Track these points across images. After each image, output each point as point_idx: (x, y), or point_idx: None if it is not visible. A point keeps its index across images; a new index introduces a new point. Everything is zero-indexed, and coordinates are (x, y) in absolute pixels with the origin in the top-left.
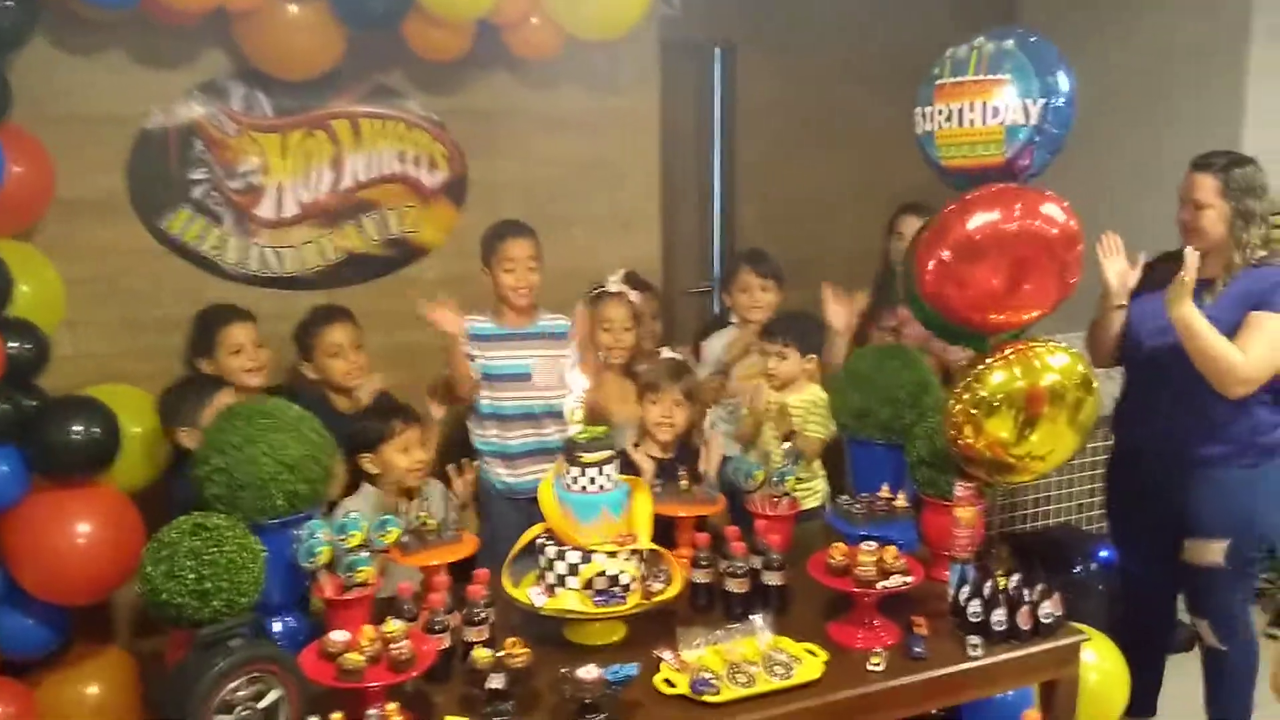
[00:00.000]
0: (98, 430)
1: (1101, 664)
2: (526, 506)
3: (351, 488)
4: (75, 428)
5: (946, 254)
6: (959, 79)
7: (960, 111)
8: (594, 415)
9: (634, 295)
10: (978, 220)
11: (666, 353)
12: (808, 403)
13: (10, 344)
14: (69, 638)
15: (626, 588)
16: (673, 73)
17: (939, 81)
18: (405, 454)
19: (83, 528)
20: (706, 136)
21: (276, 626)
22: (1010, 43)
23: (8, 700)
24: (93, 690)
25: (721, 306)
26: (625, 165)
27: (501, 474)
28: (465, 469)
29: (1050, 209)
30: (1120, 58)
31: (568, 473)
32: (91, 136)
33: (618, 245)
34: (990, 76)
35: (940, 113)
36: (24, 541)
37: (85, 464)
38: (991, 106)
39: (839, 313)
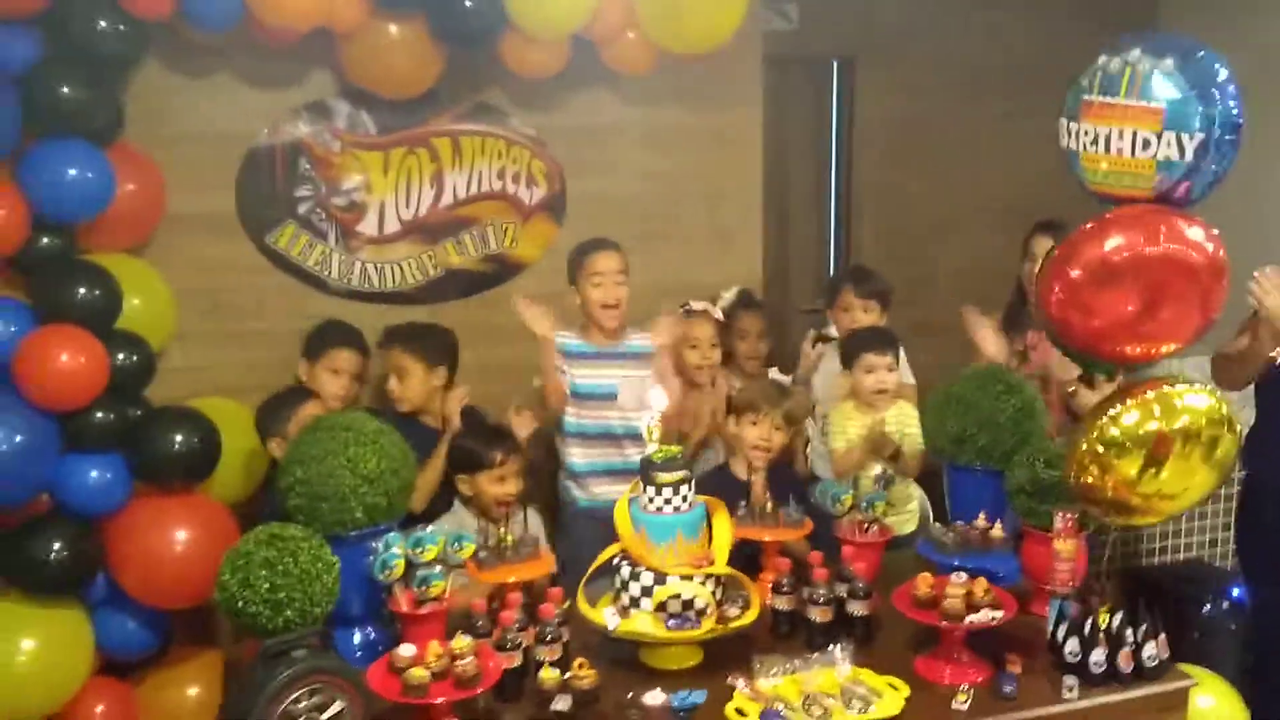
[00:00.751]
0: (197, 440)
1: (1218, 710)
2: (607, 525)
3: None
4: (176, 437)
5: (1076, 273)
6: (1109, 99)
7: (1108, 137)
8: (673, 435)
9: (718, 313)
10: (1114, 241)
11: (774, 374)
12: (905, 416)
13: (118, 356)
14: (170, 640)
15: (701, 612)
16: (789, 88)
17: (1087, 97)
18: (500, 484)
19: (181, 534)
20: (824, 152)
21: (356, 638)
22: (1169, 61)
23: (110, 699)
24: (192, 692)
25: (827, 326)
26: (725, 182)
27: (581, 493)
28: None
29: (1196, 234)
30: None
31: (643, 492)
32: (202, 155)
33: (717, 262)
34: (1143, 104)
35: (1086, 133)
36: (126, 546)
37: (185, 473)
38: (1143, 138)
39: (989, 338)
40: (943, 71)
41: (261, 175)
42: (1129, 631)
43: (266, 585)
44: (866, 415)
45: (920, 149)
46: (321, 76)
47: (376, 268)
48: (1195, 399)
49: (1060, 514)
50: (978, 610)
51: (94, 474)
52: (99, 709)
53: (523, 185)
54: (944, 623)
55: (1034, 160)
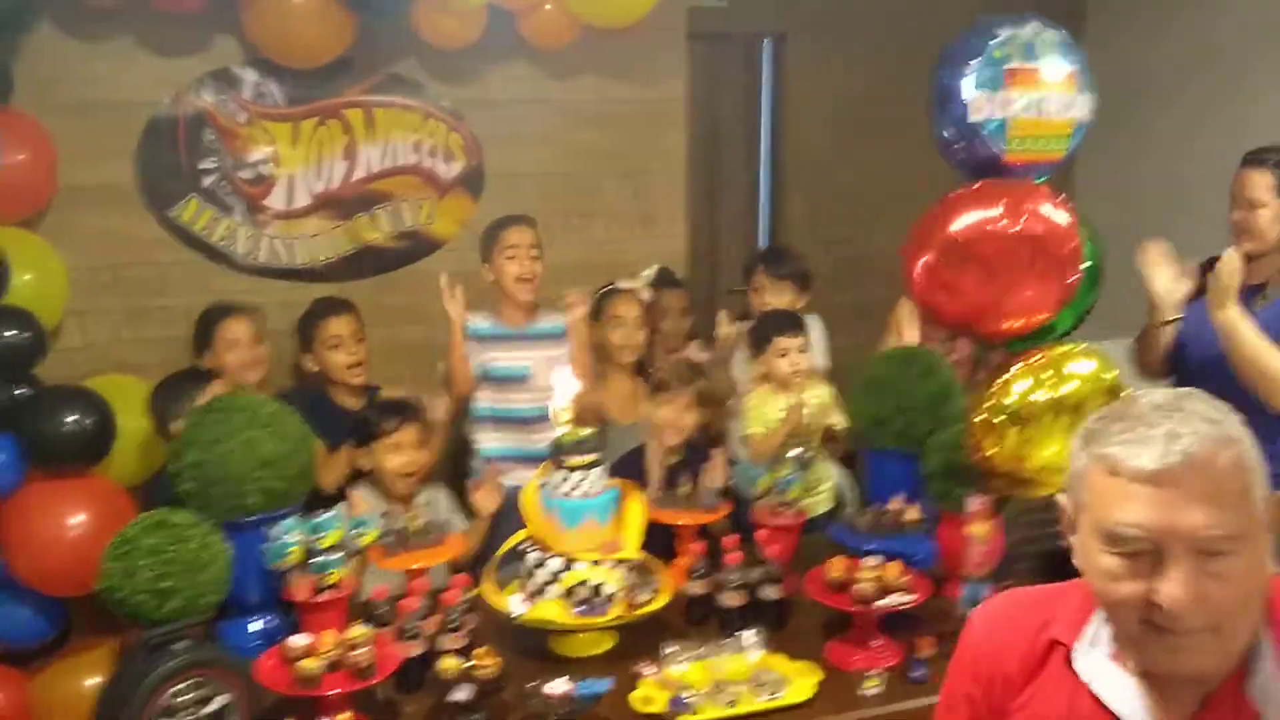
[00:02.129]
0: (91, 421)
1: None
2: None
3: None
4: (68, 418)
5: (931, 257)
6: (1031, 65)
7: (1040, 102)
8: (588, 417)
9: (646, 293)
10: (964, 221)
11: (693, 350)
12: (822, 396)
13: (6, 333)
14: (67, 629)
15: (610, 598)
16: (719, 65)
17: (1010, 65)
18: (397, 454)
19: (75, 519)
20: (755, 131)
21: (255, 626)
22: (1057, 34)
23: (4, 689)
24: (91, 682)
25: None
26: (649, 159)
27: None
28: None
29: (1044, 206)
30: (1163, 50)
31: (553, 476)
32: (99, 124)
33: (640, 241)
34: (1069, 66)
35: (1015, 100)
36: (18, 531)
37: (78, 455)
38: (1068, 99)
39: (907, 320)
40: (876, 48)
41: (163, 146)
42: None
43: (151, 573)
44: (783, 398)
45: (853, 127)
46: (226, 43)
47: (285, 243)
48: (1079, 364)
49: (974, 497)
50: (890, 594)
51: None
52: None
53: (439, 160)
54: (855, 607)
55: None
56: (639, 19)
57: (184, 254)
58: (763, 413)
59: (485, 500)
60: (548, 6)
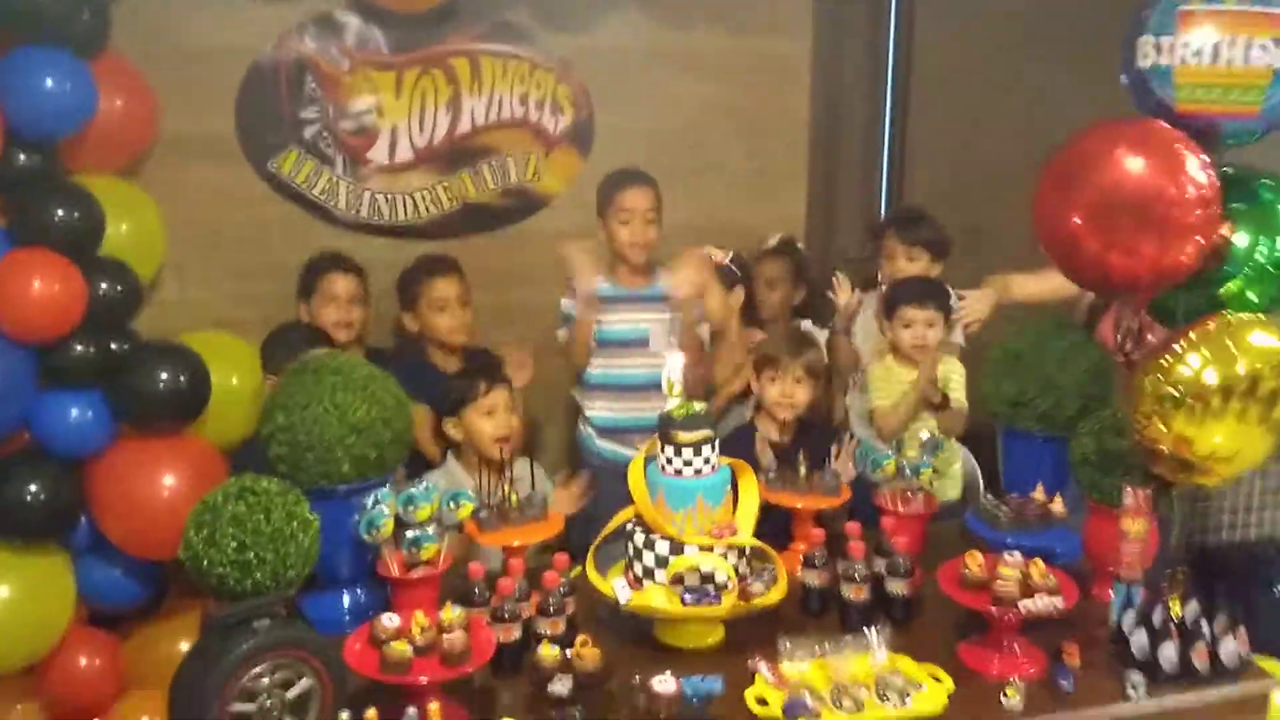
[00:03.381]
0: (185, 378)
1: None
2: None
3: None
4: (162, 374)
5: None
6: (1215, 5)
7: (1216, 47)
8: (698, 388)
9: (718, 256)
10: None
11: (804, 325)
12: (949, 373)
13: (101, 285)
14: (163, 591)
15: (722, 587)
16: (843, 22)
17: (1184, 7)
18: (490, 418)
19: (167, 480)
20: (879, 92)
21: (346, 601)
22: None
23: (94, 651)
24: (183, 646)
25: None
26: (770, 116)
27: (606, 443)
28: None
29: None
30: None
31: (661, 453)
32: (199, 73)
33: (756, 204)
34: (1258, 8)
35: (1185, 45)
36: (107, 491)
37: (171, 413)
38: (1260, 44)
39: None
40: (1010, 13)
41: (264, 96)
42: (1204, 624)
43: (234, 544)
44: (909, 371)
45: (983, 94)
46: None
47: (387, 198)
48: (1262, 339)
49: (1131, 489)
50: (1034, 595)
51: (74, 411)
52: (82, 661)
53: (547, 113)
54: (995, 608)
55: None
56: None
57: (284, 208)
58: (888, 386)
59: (565, 503)
60: None
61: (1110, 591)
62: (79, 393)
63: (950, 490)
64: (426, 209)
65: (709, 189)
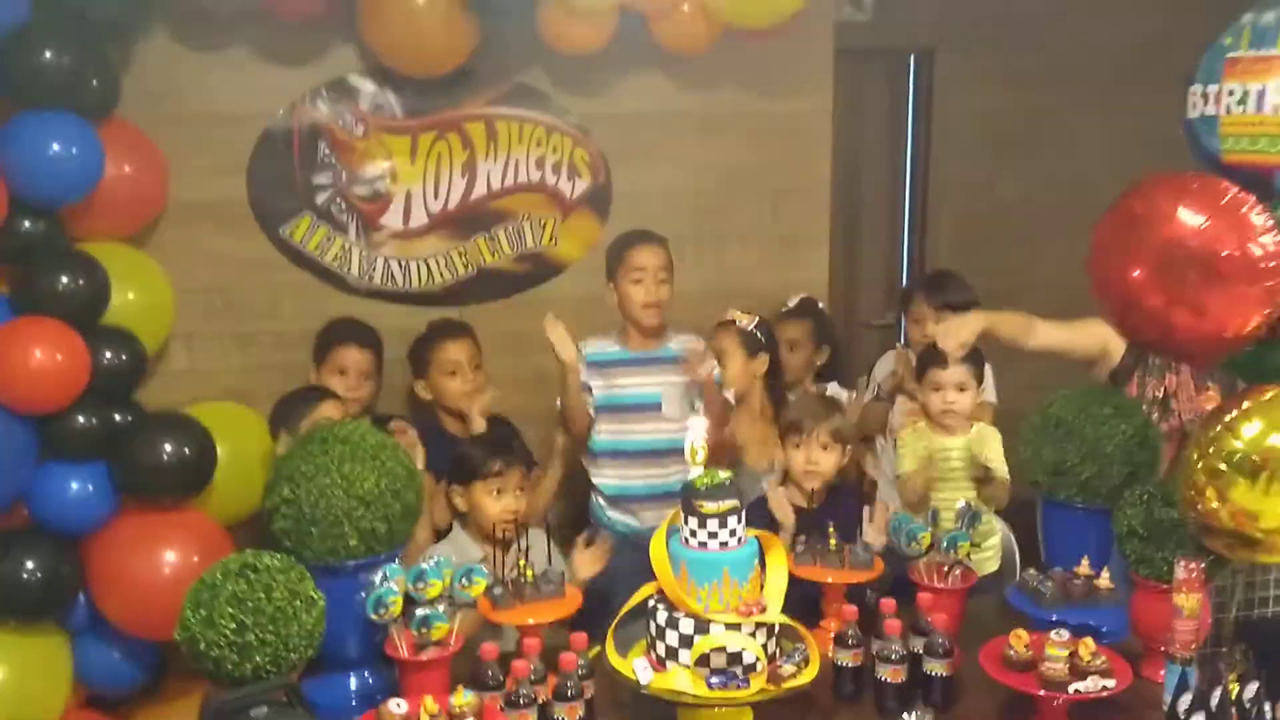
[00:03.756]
0: (189, 450)
1: None
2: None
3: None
4: (166, 446)
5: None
6: (1264, 53)
7: (1261, 94)
8: (721, 456)
9: (745, 320)
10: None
11: (831, 389)
12: (984, 439)
13: (104, 354)
14: (162, 672)
15: (750, 668)
16: (862, 83)
17: (1232, 54)
18: (496, 499)
19: (169, 556)
20: (899, 152)
21: (353, 683)
22: None
23: None
24: None
25: (906, 339)
26: (791, 177)
27: (618, 516)
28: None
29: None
30: None
31: (684, 524)
32: (210, 138)
33: (778, 267)
34: None
35: (1230, 93)
36: (108, 568)
37: (175, 486)
38: None
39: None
40: (1032, 63)
41: (276, 161)
42: (1268, 707)
43: (233, 625)
44: (939, 437)
45: (1007, 147)
46: (344, 52)
47: (401, 265)
48: None
49: (1183, 563)
50: (1084, 677)
51: (74, 485)
52: None
53: (564, 176)
54: (1043, 691)
55: (1140, 158)
56: (785, 17)
57: (296, 275)
58: (914, 452)
59: (586, 566)
60: (684, 7)
61: (1161, 672)
62: (80, 466)
63: (988, 564)
64: (441, 275)
65: (729, 252)
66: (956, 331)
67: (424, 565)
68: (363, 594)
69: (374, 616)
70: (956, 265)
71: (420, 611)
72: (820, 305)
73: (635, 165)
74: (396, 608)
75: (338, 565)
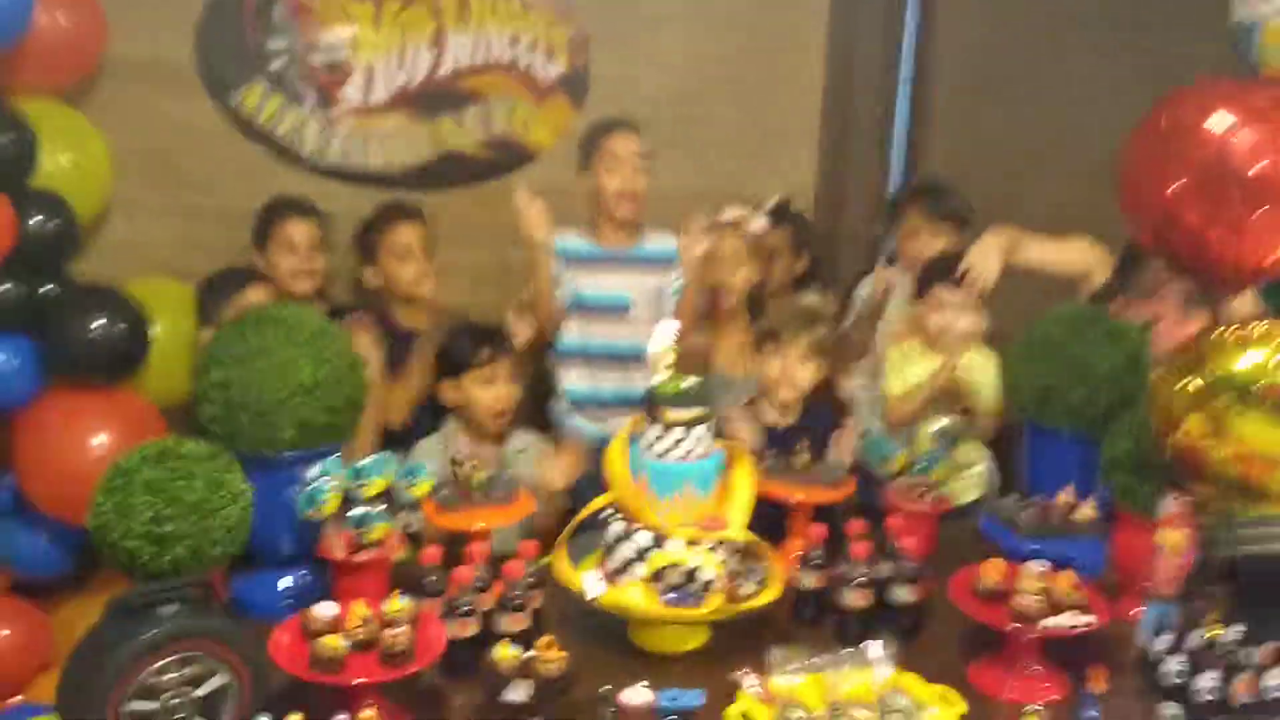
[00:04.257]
0: (121, 326)
1: None
2: None
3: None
4: (96, 321)
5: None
6: None
7: None
8: (692, 364)
9: (756, 224)
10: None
11: (808, 297)
12: (978, 364)
13: (31, 218)
14: (89, 562)
15: (707, 585)
16: None
17: None
18: (490, 388)
19: (98, 439)
20: (893, 68)
21: (285, 582)
22: None
23: (19, 623)
24: None
25: (892, 252)
26: (781, 75)
27: (585, 423)
28: None
29: None
30: None
31: (647, 431)
32: None
33: (764, 170)
34: None
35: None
36: (32, 449)
37: (105, 365)
38: None
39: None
40: None
41: (227, 21)
42: (1247, 651)
43: (149, 514)
44: (932, 359)
45: (1005, 79)
46: None
47: (360, 142)
48: None
49: (1171, 496)
50: (1060, 611)
51: None
52: (4, 633)
53: (539, 57)
54: (1014, 625)
55: (1139, 101)
56: None
57: (245, 147)
58: (904, 370)
59: (557, 475)
60: None
61: (1138, 609)
62: (3, 339)
63: (968, 492)
64: (401, 156)
65: (713, 152)
66: (985, 264)
67: (364, 462)
68: (296, 488)
69: (307, 513)
70: (952, 178)
71: (357, 510)
72: (794, 208)
73: (617, 51)
74: (332, 505)
75: (272, 457)
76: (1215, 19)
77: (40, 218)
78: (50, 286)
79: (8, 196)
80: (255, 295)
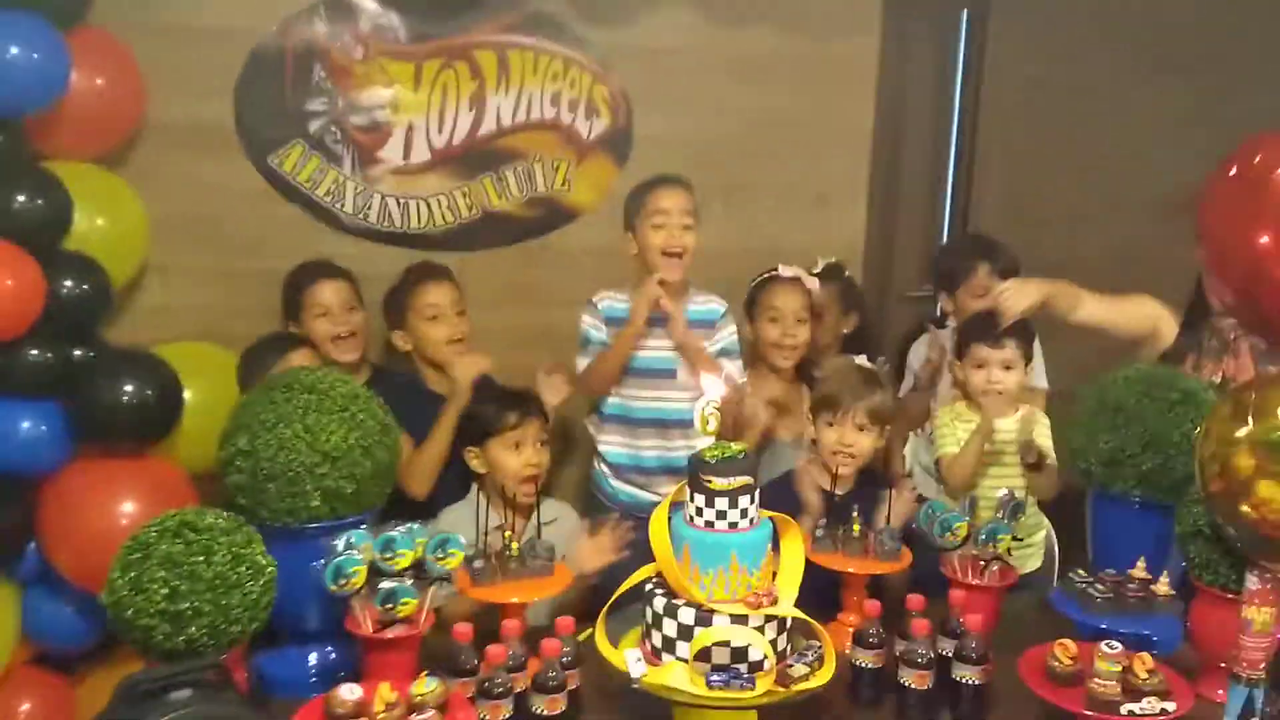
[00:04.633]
0: (152, 391)
1: None
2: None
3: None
4: (127, 386)
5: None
6: None
7: None
8: (736, 429)
9: (812, 284)
10: None
11: (862, 360)
12: (1032, 424)
13: (64, 282)
14: (113, 633)
15: (756, 666)
16: (908, 38)
17: None
18: (517, 453)
19: (126, 506)
20: (945, 115)
21: (313, 659)
22: None
23: (41, 694)
24: None
25: (941, 312)
26: (829, 127)
27: (621, 485)
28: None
29: None
30: None
31: (690, 501)
32: (195, 53)
33: (811, 225)
34: None
35: None
36: (60, 515)
37: (135, 429)
38: None
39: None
40: (1094, 32)
41: (267, 83)
42: None
43: (165, 591)
44: (979, 420)
45: (1061, 118)
46: None
47: (399, 203)
48: None
49: (1257, 572)
50: (1138, 697)
51: (25, 424)
52: (25, 705)
53: (580, 115)
54: (1090, 712)
55: (1203, 143)
56: None
57: (284, 208)
58: (953, 432)
59: (592, 557)
60: None
61: (1221, 691)
62: (32, 403)
63: (1030, 561)
64: (442, 216)
65: (758, 207)
66: (1019, 296)
67: (394, 533)
68: (321, 562)
69: (333, 588)
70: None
71: (385, 585)
72: (847, 271)
73: (659, 106)
74: (359, 579)
75: (297, 527)
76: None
77: (71, 281)
78: (80, 350)
79: (38, 260)
80: (299, 360)
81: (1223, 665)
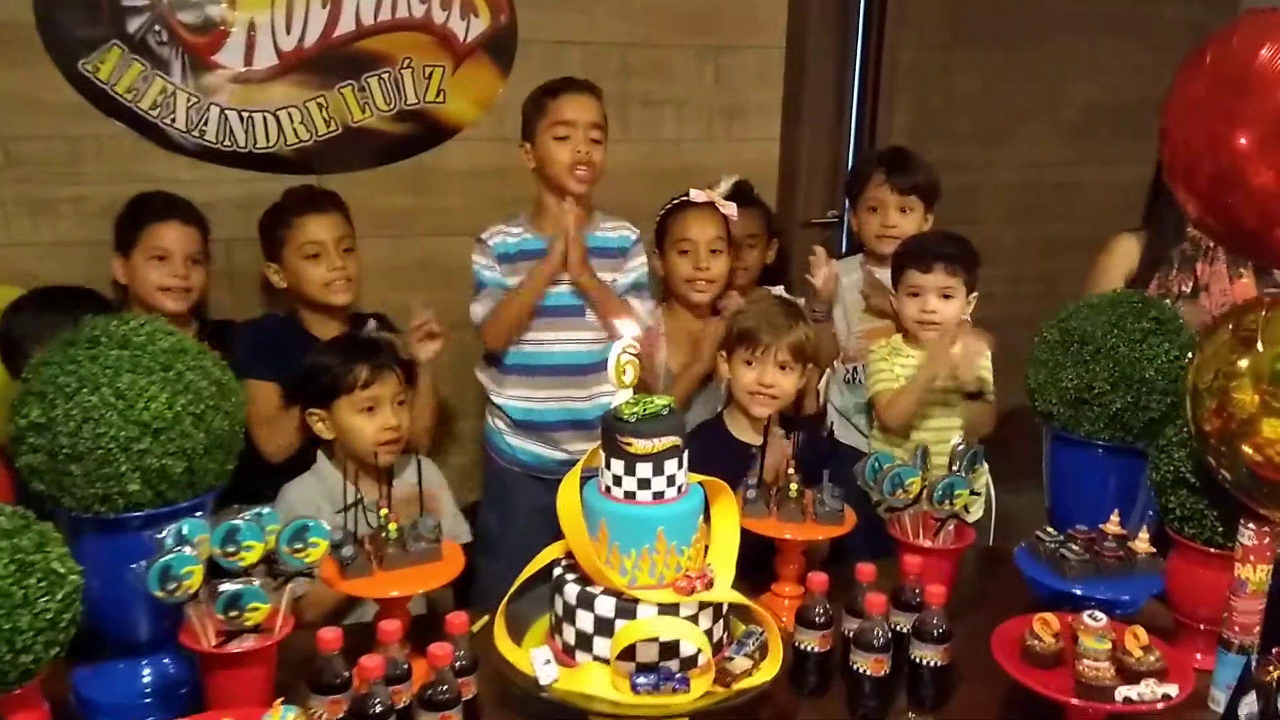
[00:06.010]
0: None
1: None
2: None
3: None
4: None
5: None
6: None
7: None
8: (655, 377)
9: (729, 209)
10: None
11: (780, 291)
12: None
13: None
14: None
15: (690, 664)
16: None
17: None
18: (369, 416)
19: None
20: (849, 26)
21: (146, 675)
22: None
23: None
24: None
25: (850, 237)
26: (741, 30)
27: (521, 444)
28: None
29: None
30: None
31: (606, 469)
32: None
33: (721, 142)
34: None
35: None
36: None
37: None
38: None
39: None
40: None
41: None
42: None
43: None
44: (919, 351)
45: (975, 34)
46: None
47: (242, 117)
48: None
49: (1254, 525)
50: (1135, 678)
51: None
52: None
53: (455, 13)
54: (1080, 700)
55: (1120, 60)
56: None
57: (102, 125)
58: (890, 368)
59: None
60: None
61: (1202, 657)
62: None
63: (973, 515)
64: (294, 132)
65: (663, 122)
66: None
67: (237, 521)
68: (144, 563)
69: (160, 594)
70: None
71: (228, 587)
72: (754, 190)
73: (547, 6)
74: (194, 581)
75: (113, 519)
76: None
77: None
78: None
79: None
80: None
81: (1203, 628)
